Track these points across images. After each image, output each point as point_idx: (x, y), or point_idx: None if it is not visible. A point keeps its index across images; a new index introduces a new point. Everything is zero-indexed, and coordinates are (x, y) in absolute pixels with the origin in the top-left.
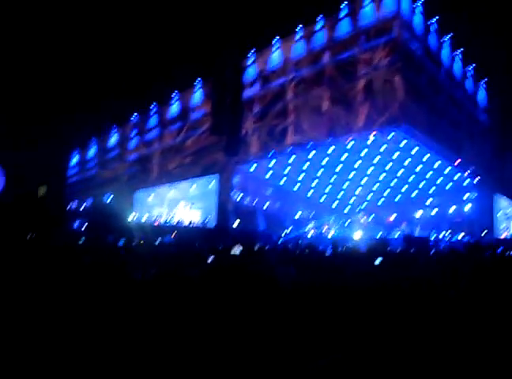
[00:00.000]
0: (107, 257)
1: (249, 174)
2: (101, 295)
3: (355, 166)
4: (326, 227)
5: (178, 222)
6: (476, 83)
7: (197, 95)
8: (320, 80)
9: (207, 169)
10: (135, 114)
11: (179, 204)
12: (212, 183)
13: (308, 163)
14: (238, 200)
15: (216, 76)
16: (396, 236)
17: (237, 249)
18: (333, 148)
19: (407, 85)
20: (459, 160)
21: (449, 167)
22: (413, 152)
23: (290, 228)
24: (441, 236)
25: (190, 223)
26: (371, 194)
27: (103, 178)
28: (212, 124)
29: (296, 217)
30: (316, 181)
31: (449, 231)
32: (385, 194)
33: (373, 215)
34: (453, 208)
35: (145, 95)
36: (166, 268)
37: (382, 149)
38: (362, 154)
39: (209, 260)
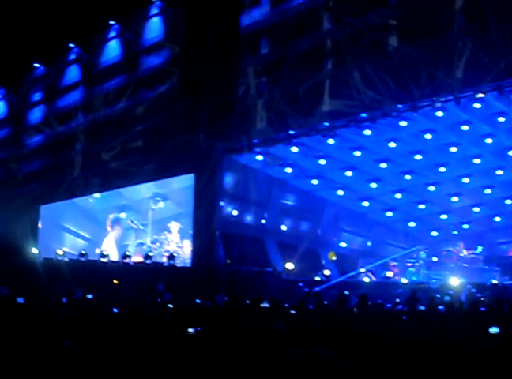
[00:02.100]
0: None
1: (252, 170)
2: None
3: (450, 151)
4: (395, 265)
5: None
6: None
7: (154, 25)
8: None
9: (175, 162)
10: (37, 63)
11: (171, 226)
12: None
13: (359, 152)
14: (232, 215)
15: None
16: None
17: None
18: (404, 122)
19: None
20: None
21: None
22: None
23: (328, 270)
24: None
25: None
26: (477, 208)
27: None
28: (181, 77)
29: (341, 246)
30: (374, 184)
31: None
32: (506, 203)
33: (481, 245)
34: None
35: (56, 29)
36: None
37: (500, 120)
38: (462, 128)
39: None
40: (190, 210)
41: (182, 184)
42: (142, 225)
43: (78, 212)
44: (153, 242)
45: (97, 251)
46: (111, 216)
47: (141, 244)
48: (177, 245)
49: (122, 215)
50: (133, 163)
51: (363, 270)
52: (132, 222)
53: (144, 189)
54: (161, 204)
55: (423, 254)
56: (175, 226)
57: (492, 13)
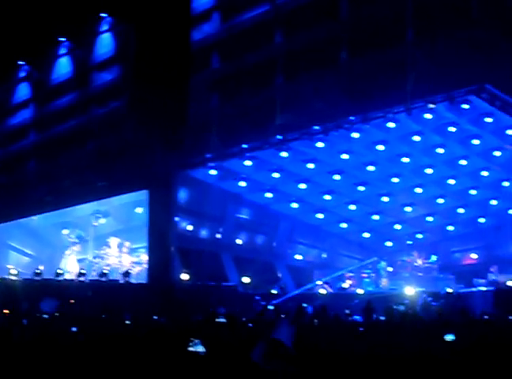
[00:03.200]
0: None
1: (206, 184)
2: None
3: (403, 161)
4: (351, 277)
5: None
6: None
7: (105, 41)
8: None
9: (128, 179)
10: None
11: (110, 242)
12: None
13: (313, 165)
14: (187, 230)
15: (139, 8)
16: (481, 289)
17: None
18: (356, 134)
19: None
20: None
21: None
22: (509, 133)
23: (282, 283)
24: None
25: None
26: (431, 217)
27: None
28: (132, 93)
29: (297, 258)
30: (328, 196)
31: None
32: (458, 212)
33: (436, 254)
34: None
35: (4, 47)
36: None
37: (451, 130)
38: (414, 139)
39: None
40: (131, 225)
41: (123, 201)
42: (84, 241)
43: (22, 230)
44: (95, 257)
45: (41, 268)
46: (76, 232)
47: (83, 259)
48: (117, 259)
49: (64, 231)
50: (85, 180)
51: (319, 282)
52: (69, 237)
53: (87, 207)
54: (102, 221)
55: (382, 264)
56: (114, 241)
57: (441, 24)
